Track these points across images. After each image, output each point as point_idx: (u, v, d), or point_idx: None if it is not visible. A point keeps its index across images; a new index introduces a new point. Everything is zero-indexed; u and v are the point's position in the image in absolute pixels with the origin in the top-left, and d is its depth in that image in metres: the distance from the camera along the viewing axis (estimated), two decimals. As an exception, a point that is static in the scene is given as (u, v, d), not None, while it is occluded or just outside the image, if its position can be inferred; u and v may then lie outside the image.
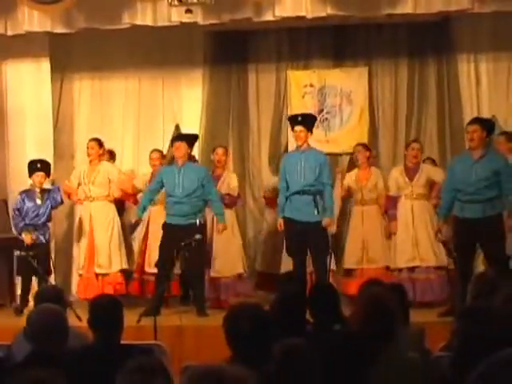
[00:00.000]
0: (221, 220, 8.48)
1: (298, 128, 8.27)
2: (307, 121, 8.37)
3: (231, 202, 9.06)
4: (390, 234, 8.85)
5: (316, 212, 8.14)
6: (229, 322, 3.73)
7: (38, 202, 8.65)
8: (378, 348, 3.31)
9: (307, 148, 8.32)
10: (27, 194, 8.70)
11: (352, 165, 9.37)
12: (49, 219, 8.76)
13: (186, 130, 9.54)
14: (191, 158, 8.83)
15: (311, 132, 8.38)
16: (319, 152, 8.46)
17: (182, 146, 8.37)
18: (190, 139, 8.60)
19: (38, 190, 8.67)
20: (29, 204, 8.63)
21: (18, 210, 8.68)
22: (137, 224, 8.90)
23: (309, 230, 8.13)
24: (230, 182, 9.09)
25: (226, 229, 8.59)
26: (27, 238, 8.57)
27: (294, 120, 8.43)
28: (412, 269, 8.68)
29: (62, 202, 8.86)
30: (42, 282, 8.16)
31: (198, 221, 8.20)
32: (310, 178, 8.19)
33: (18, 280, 9.23)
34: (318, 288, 5.19)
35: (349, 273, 8.96)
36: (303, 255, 8.24)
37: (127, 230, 9.30)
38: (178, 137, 8.67)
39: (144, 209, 8.52)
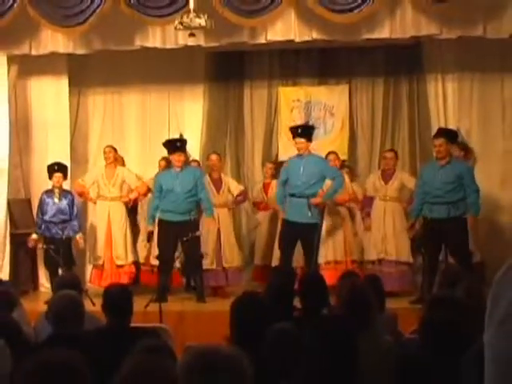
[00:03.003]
0: (209, 215, 8.44)
1: (299, 140, 8.10)
2: (306, 133, 8.20)
3: (244, 197, 9.32)
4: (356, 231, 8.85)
5: (309, 214, 7.98)
6: (237, 308, 3.75)
7: (56, 200, 8.59)
8: (356, 332, 3.33)
9: (308, 154, 8.14)
10: (47, 193, 8.68)
11: None
12: (70, 217, 8.59)
13: (188, 138, 9.51)
14: (187, 161, 8.87)
15: (311, 141, 8.19)
16: (319, 157, 8.30)
17: (182, 156, 8.41)
18: (185, 147, 8.66)
19: (57, 190, 8.64)
20: (49, 203, 8.61)
21: (40, 208, 8.66)
22: (152, 233, 8.54)
23: (301, 230, 7.95)
24: (230, 185, 9.15)
25: (215, 223, 8.59)
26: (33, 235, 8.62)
27: (295, 132, 8.24)
28: (380, 261, 8.68)
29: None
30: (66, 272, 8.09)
31: (191, 218, 8.26)
32: (307, 183, 8.01)
33: (41, 270, 9.22)
34: (309, 278, 5.20)
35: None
36: (292, 250, 8.09)
37: (144, 236, 9.07)
38: (179, 148, 8.46)
39: (153, 217, 8.47)
